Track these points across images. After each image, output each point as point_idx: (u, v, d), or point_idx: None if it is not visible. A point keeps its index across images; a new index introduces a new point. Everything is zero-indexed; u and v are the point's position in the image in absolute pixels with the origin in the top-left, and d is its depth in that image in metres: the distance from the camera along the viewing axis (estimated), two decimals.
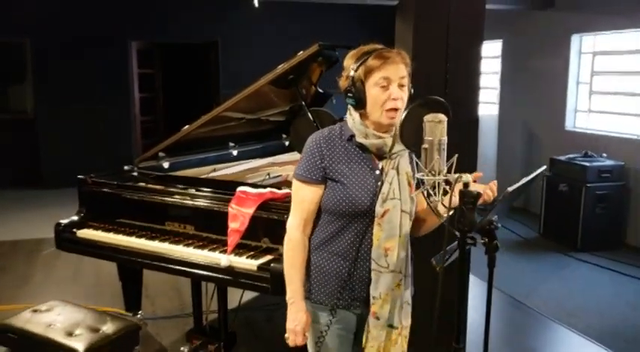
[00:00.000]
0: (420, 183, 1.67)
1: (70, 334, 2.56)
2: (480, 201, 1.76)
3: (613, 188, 5.61)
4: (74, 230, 3.29)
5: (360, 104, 1.82)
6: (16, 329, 2.64)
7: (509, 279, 4.72)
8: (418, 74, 3.16)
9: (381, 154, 1.86)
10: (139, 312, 3.76)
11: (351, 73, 1.82)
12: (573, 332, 3.84)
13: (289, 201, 2.68)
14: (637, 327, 4.02)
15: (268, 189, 2.88)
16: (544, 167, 1.97)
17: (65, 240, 3.32)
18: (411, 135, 1.69)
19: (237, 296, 3.53)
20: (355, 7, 8.06)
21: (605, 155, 5.78)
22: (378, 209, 1.81)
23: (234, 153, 4.16)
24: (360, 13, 8.70)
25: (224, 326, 3.40)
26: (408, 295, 1.90)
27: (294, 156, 4.28)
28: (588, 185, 5.53)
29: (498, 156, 7.17)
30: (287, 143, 4.57)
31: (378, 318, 1.84)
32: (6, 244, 5.62)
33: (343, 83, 1.87)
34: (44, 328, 2.61)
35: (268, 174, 3.56)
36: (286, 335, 1.92)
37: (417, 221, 1.94)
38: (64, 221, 3.36)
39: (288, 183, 3.34)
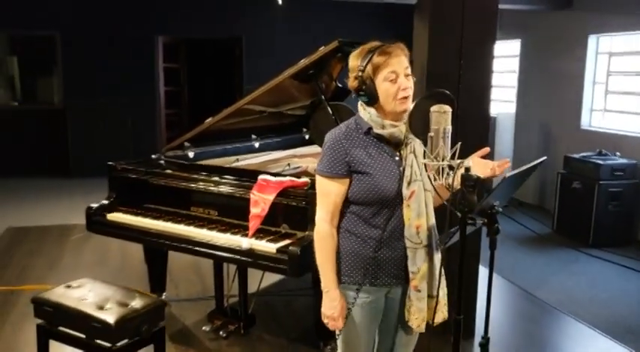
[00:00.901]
0: (425, 168, 1.83)
1: (101, 307, 2.74)
2: (490, 174, 1.90)
3: (625, 186, 5.68)
4: (104, 213, 3.50)
5: (373, 100, 1.96)
6: (51, 303, 2.83)
7: (521, 272, 4.85)
8: (433, 70, 3.36)
9: (397, 142, 2.00)
10: (164, 294, 3.96)
11: (359, 73, 1.95)
12: (580, 322, 3.95)
13: (308, 189, 2.89)
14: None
15: (288, 178, 3.05)
16: (544, 158, 2.10)
17: (95, 222, 3.54)
18: (419, 124, 1.84)
19: (256, 282, 3.71)
20: (377, 5, 8.20)
21: (618, 154, 5.85)
22: (405, 192, 1.95)
23: (256, 145, 4.35)
24: (382, 12, 8.83)
25: (244, 308, 3.59)
26: (440, 266, 2.01)
27: (314, 148, 4.45)
28: (601, 182, 5.62)
29: (515, 153, 7.26)
30: (307, 136, 4.74)
31: (419, 291, 1.99)
32: (36, 229, 5.87)
33: (352, 83, 1.99)
34: (77, 302, 2.80)
35: (289, 165, 3.73)
36: (325, 321, 2.06)
37: None
38: (95, 205, 3.57)
39: (307, 173, 3.52)
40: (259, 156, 4.07)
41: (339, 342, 2.14)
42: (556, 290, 4.62)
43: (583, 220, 5.74)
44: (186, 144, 3.86)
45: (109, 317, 2.66)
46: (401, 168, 1.98)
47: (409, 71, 1.96)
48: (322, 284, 2.04)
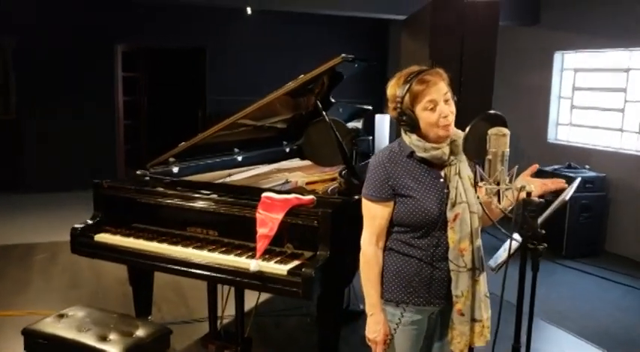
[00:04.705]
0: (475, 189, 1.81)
1: (103, 338, 2.57)
2: (543, 191, 1.90)
3: (595, 198, 5.85)
4: (91, 234, 3.29)
5: (415, 128, 1.94)
6: (46, 335, 2.63)
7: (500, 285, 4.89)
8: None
9: (441, 163, 1.97)
10: (149, 318, 3.76)
11: (398, 104, 1.94)
12: (568, 333, 4.02)
13: (316, 206, 2.80)
14: (627, 328, 4.23)
15: (293, 195, 2.95)
16: (579, 179, 2.12)
17: (82, 244, 3.30)
18: (474, 147, 1.81)
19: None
20: (345, 18, 8.20)
21: (587, 166, 6.03)
22: (449, 214, 1.93)
23: (239, 158, 4.22)
24: (349, 24, 8.84)
25: (241, 331, 3.44)
26: (485, 288, 2.03)
27: (299, 162, 4.38)
28: (573, 195, 5.75)
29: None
30: (287, 149, 4.65)
31: (463, 315, 1.97)
32: None
33: (392, 113, 1.98)
34: (76, 333, 2.61)
35: (287, 181, 3.63)
36: (368, 343, 2.05)
37: None
38: (79, 225, 3.35)
39: (301, 189, 3.43)
40: (249, 170, 3.96)
41: None
42: (540, 301, 4.66)
43: (556, 232, 5.86)
44: (171, 159, 3.71)
45: (115, 349, 2.49)
46: (445, 191, 1.96)
47: (449, 96, 1.94)
48: (367, 307, 2.04)
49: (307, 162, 4.47)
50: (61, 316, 2.79)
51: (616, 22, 5.88)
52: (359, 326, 4.00)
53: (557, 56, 6.70)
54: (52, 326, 2.68)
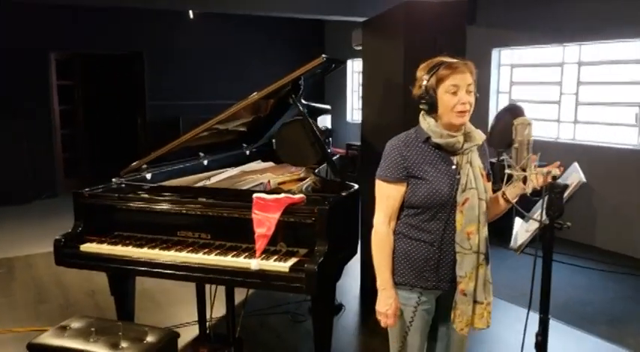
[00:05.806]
0: (510, 178, 1.94)
1: (115, 346, 2.53)
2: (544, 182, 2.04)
3: None
4: (77, 245, 3.20)
5: (433, 108, 2.06)
6: (53, 348, 2.56)
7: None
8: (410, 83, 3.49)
9: (454, 151, 2.10)
10: None
11: (424, 83, 2.05)
12: (532, 311, 4.27)
13: (307, 204, 2.87)
14: (583, 303, 4.57)
15: (283, 195, 3.01)
16: (576, 163, 2.31)
17: (67, 255, 3.21)
18: (498, 136, 1.95)
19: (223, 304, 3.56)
20: (285, 20, 8.26)
21: None
22: (459, 198, 2.06)
23: (205, 163, 4.21)
24: (288, 26, 8.92)
25: (232, 332, 3.45)
26: (489, 273, 2.15)
27: (262, 164, 4.42)
28: None
29: None
30: (248, 152, 4.68)
31: (465, 295, 2.08)
32: None
33: (417, 91, 2.10)
34: (85, 343, 2.55)
35: (269, 181, 3.67)
36: (378, 317, 2.14)
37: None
38: (60, 236, 3.25)
39: (278, 190, 3.48)
40: (221, 173, 3.97)
41: (393, 344, 2.21)
42: (502, 284, 4.94)
43: (504, 220, 6.17)
44: (144, 166, 3.67)
45: None
46: (457, 176, 2.08)
47: (472, 88, 2.06)
48: (378, 283, 2.14)
49: (270, 164, 4.53)
50: (63, 328, 2.71)
51: (549, 20, 6.29)
52: (339, 317, 4.12)
53: (495, 53, 7.06)
54: (57, 339, 2.60)
